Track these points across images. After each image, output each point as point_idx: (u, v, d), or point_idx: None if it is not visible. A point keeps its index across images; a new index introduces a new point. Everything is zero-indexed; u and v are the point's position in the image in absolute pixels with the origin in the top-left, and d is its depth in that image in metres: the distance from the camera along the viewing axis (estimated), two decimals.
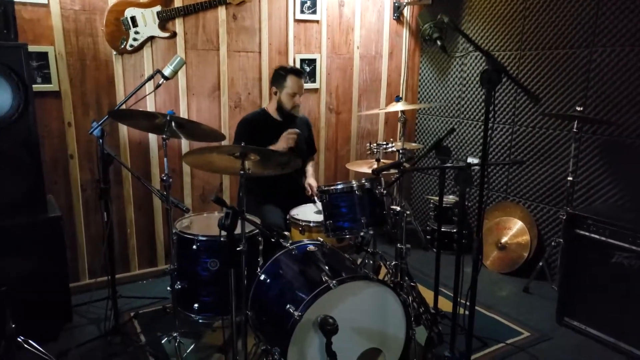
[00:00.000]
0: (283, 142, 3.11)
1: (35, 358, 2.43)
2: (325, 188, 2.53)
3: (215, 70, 3.72)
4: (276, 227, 2.98)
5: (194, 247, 2.58)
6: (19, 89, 2.50)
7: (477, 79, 4.14)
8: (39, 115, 3.08)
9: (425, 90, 4.67)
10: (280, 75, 3.25)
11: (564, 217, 3.38)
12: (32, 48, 2.95)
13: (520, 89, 1.84)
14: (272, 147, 3.09)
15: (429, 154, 2.52)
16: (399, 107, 2.96)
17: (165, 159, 2.48)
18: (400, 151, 2.71)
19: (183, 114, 3.64)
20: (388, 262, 2.91)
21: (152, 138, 3.54)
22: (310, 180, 3.37)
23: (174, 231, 2.68)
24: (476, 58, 4.14)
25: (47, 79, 3.08)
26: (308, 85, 4.11)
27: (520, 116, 3.85)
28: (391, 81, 4.56)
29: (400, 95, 2.82)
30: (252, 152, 2.32)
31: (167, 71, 2.64)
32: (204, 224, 2.86)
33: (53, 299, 2.77)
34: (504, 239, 3.94)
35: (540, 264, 3.59)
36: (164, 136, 2.40)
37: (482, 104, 4.13)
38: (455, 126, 4.28)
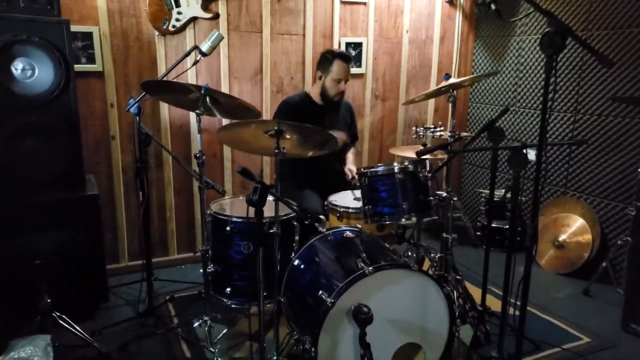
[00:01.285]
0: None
1: (70, 335, 2.42)
2: (364, 170, 2.38)
3: (258, 53, 3.63)
4: (312, 212, 2.85)
5: (227, 228, 2.49)
6: (60, 66, 2.49)
7: (535, 64, 3.85)
8: (82, 96, 3.12)
9: (479, 81, 4.39)
10: (326, 59, 3.12)
11: (634, 214, 3.06)
12: (77, 28, 2.97)
13: (589, 52, 1.61)
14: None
15: (480, 136, 2.30)
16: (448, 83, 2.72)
17: (199, 136, 2.40)
18: (450, 134, 2.50)
19: None
20: (433, 255, 2.71)
21: (193, 120, 3.50)
22: (351, 166, 3.22)
23: (207, 212, 2.60)
24: (535, 41, 3.85)
25: (91, 59, 3.09)
26: (353, 70, 3.94)
27: (583, 103, 3.54)
28: (442, 67, 4.32)
29: (448, 74, 2.60)
30: (288, 128, 2.20)
31: (204, 47, 2.56)
32: (240, 207, 2.76)
33: (89, 277, 2.76)
34: (562, 237, 3.63)
35: (604, 264, 3.27)
36: (198, 112, 2.31)
37: (540, 91, 3.83)
38: (510, 106, 4.00)
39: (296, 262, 2.35)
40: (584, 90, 3.52)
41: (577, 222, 3.60)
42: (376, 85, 4.12)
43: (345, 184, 3.16)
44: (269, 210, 2.27)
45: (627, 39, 3.22)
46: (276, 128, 2.22)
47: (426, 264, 2.82)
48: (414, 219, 2.31)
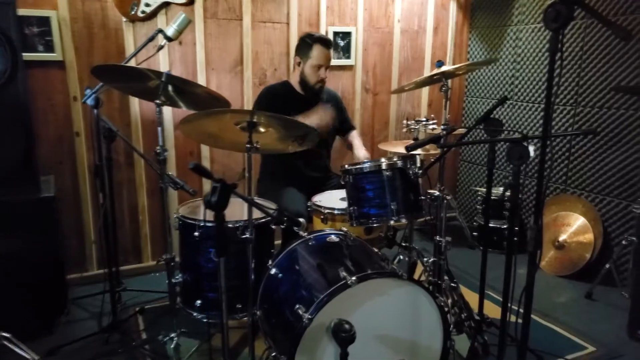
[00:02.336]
0: (316, 118, 2.71)
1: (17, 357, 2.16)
2: (349, 167, 2.13)
3: (238, 42, 3.38)
4: (294, 214, 2.60)
5: (196, 234, 2.24)
6: (5, 52, 2.22)
7: (533, 54, 3.62)
8: (40, 88, 2.86)
9: (474, 72, 4.17)
10: (305, 43, 2.87)
11: (639, 211, 2.85)
12: (31, 12, 2.71)
13: (604, 24, 1.38)
14: (302, 119, 2.70)
15: (476, 128, 2.06)
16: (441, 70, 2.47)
17: (159, 129, 2.15)
18: (443, 126, 2.27)
19: None
20: (426, 259, 2.48)
21: (167, 115, 3.24)
22: (359, 152, 2.91)
23: (175, 215, 2.35)
24: (532, 31, 3.62)
25: (49, 48, 2.82)
26: (342, 62, 3.71)
27: (584, 95, 3.31)
28: (436, 59, 4.08)
29: (441, 61, 2.36)
30: (262, 119, 1.96)
31: (170, 31, 2.30)
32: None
33: (46, 288, 2.49)
34: (563, 237, 3.41)
35: (607, 266, 3.05)
36: (158, 101, 2.06)
37: (538, 83, 3.60)
38: (509, 95, 3.77)
39: (273, 271, 2.11)
40: (585, 82, 3.29)
41: (578, 221, 3.38)
42: (366, 77, 3.88)
43: (332, 182, 2.92)
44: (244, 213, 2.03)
45: (631, 26, 2.99)
46: (248, 120, 1.98)
47: (419, 269, 2.59)
48: (403, 221, 2.07)
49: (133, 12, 2.99)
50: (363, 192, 2.10)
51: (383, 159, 2.06)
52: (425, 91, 4.12)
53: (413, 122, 2.61)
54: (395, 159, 2.07)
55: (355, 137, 3.15)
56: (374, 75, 3.91)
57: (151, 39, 2.34)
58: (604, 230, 3.26)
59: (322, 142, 2.92)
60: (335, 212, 2.43)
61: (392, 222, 2.07)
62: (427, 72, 4.07)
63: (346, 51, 3.73)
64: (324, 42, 2.87)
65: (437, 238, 2.15)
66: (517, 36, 3.75)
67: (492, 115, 2.11)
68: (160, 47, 2.34)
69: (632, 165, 3.08)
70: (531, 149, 3.69)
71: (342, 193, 2.65)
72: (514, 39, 3.78)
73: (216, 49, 3.33)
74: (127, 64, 2.25)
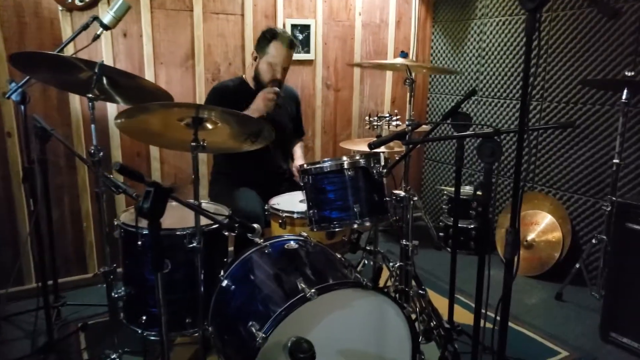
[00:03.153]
0: (259, 103, 2.51)
1: None
2: (308, 166, 1.95)
3: (189, 35, 3.15)
4: (250, 216, 2.40)
5: (139, 243, 2.01)
6: None
7: (498, 49, 3.53)
8: None
9: (438, 65, 4.05)
10: (264, 38, 2.66)
11: (608, 209, 2.77)
12: None
13: (589, 4, 1.23)
14: (246, 111, 2.50)
15: (443, 123, 1.90)
16: (400, 61, 2.32)
17: (92, 127, 1.91)
18: (408, 122, 2.11)
19: None
20: (392, 264, 2.32)
21: (113, 112, 2.98)
22: (299, 162, 2.78)
23: (115, 223, 2.11)
24: (497, 24, 3.52)
25: None
26: (301, 56, 3.53)
27: (550, 90, 3.23)
28: (398, 54, 3.94)
29: (405, 52, 2.21)
30: (209, 115, 1.75)
31: (106, 18, 2.06)
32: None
33: None
34: (531, 236, 3.32)
35: (577, 265, 2.97)
36: (90, 95, 1.82)
37: (504, 78, 3.51)
38: (477, 88, 3.67)
39: (225, 283, 1.90)
40: (551, 76, 3.22)
41: (545, 219, 3.30)
42: (327, 73, 3.71)
43: (293, 184, 2.73)
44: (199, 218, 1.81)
45: (596, 18, 2.92)
46: (193, 115, 1.77)
47: (385, 274, 2.43)
48: (367, 224, 1.90)
49: (70, 0, 2.72)
50: (324, 194, 1.93)
51: (345, 158, 1.89)
52: (388, 87, 3.98)
53: (376, 118, 2.46)
54: (357, 157, 1.90)
55: (298, 147, 2.98)
56: (335, 71, 3.74)
57: (85, 27, 2.09)
58: (572, 228, 3.19)
59: (278, 141, 2.73)
60: (295, 215, 2.24)
61: (355, 226, 1.89)
62: None
63: (305, 45, 3.54)
64: (284, 39, 2.65)
65: (404, 242, 1.99)
66: (482, 30, 3.65)
67: (459, 110, 1.96)
68: (97, 37, 2.09)
69: (600, 162, 3.01)
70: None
71: (302, 196, 2.46)
72: (478, 32, 3.68)
73: (165, 41, 3.09)
74: (52, 53, 1.99)
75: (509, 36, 3.44)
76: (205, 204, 2.41)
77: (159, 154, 3.19)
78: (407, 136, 1.84)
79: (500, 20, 3.50)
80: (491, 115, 3.65)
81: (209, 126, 1.88)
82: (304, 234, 2.03)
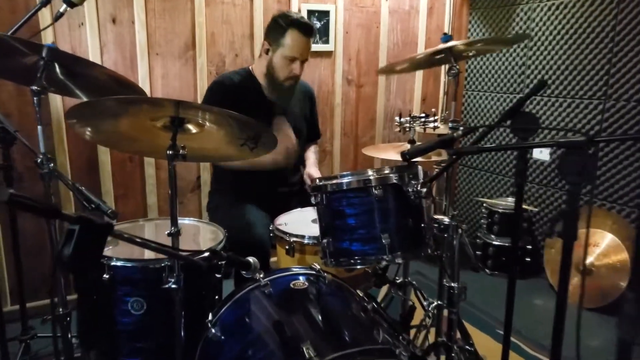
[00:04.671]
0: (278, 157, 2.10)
1: None
2: (322, 183, 1.48)
3: (189, 21, 2.72)
4: (252, 240, 1.96)
5: (106, 276, 1.57)
6: None
7: (549, 37, 3.01)
8: None
9: (476, 59, 3.55)
10: (278, 26, 2.18)
11: None
12: None
13: None
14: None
15: (499, 126, 1.41)
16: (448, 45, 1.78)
17: (39, 129, 1.49)
18: (451, 124, 1.63)
19: (143, 81, 2.65)
20: (427, 303, 1.84)
21: None
22: (312, 170, 2.31)
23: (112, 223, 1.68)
24: (549, 9, 3.00)
25: None
26: (318, 47, 3.07)
27: (616, 87, 2.70)
28: (431, 46, 3.45)
29: (448, 35, 1.72)
30: (193, 114, 1.31)
31: None
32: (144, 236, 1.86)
33: None
34: (589, 260, 2.79)
35: None
36: (35, 87, 1.38)
37: (556, 72, 2.98)
38: (517, 92, 3.13)
39: (213, 332, 1.45)
40: (618, 69, 2.68)
41: (606, 239, 2.78)
42: (348, 66, 3.24)
43: (304, 198, 2.26)
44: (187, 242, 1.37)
45: None
46: (172, 114, 1.34)
47: (418, 316, 1.95)
48: (399, 260, 1.42)
49: None
50: (342, 219, 1.46)
51: (370, 172, 1.42)
52: (418, 83, 3.50)
53: (408, 119, 1.98)
54: (387, 171, 1.42)
55: (312, 151, 2.51)
56: (357, 64, 3.27)
57: (44, 3, 1.66)
58: None
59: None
60: (305, 241, 1.78)
61: (383, 263, 1.42)
62: None
63: (324, 34, 3.08)
64: (303, 27, 2.18)
65: (448, 284, 1.51)
66: (529, 16, 3.13)
67: (523, 109, 1.47)
68: (59, 15, 1.66)
69: None
70: (545, 152, 3.08)
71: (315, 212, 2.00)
72: (525, 19, 3.16)
73: (161, 29, 2.66)
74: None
75: (564, 22, 2.92)
76: (196, 224, 1.97)
77: (154, 159, 2.77)
78: (453, 143, 1.36)
79: (552, 4, 2.98)
80: (539, 116, 3.12)
81: (193, 129, 1.44)
82: (316, 265, 1.56)
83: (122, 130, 1.43)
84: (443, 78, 3.57)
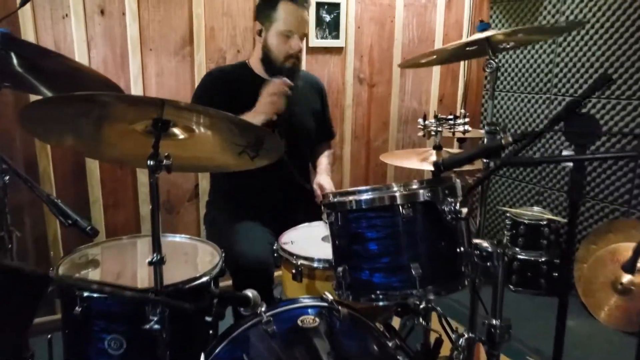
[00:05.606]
0: (265, 103, 1.81)
1: None
2: (337, 199, 1.22)
3: (186, 13, 2.47)
4: (253, 263, 1.70)
5: (78, 309, 1.32)
6: None
7: (582, 32, 2.74)
8: None
9: (497, 57, 3.27)
10: (267, 3, 1.93)
11: None
12: None
13: None
14: (245, 116, 1.81)
15: (552, 130, 1.15)
16: (488, 34, 1.48)
17: None
18: (487, 128, 1.37)
19: (135, 79, 2.41)
20: (457, 335, 1.57)
21: None
22: (322, 179, 2.03)
23: (50, 274, 1.43)
24: (581, 1, 2.73)
25: None
26: (328, 43, 2.82)
27: None
28: (449, 41, 3.19)
29: (486, 23, 1.46)
30: (178, 114, 1.06)
31: None
32: (126, 262, 1.61)
33: None
34: (627, 278, 2.52)
35: None
36: None
37: (588, 70, 2.71)
38: (543, 93, 2.85)
39: None
40: None
41: None
42: (360, 64, 2.98)
43: (314, 210, 1.99)
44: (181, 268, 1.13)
45: None
46: (155, 117, 1.09)
47: (445, 349, 1.68)
48: (432, 296, 1.16)
49: None
50: (361, 244, 1.20)
51: (396, 187, 1.15)
52: (435, 82, 3.24)
53: (433, 121, 1.72)
54: (416, 186, 1.16)
55: (325, 156, 2.22)
56: (370, 61, 3.01)
57: None
58: None
59: (295, 148, 2.02)
60: (315, 264, 1.52)
61: (413, 299, 1.16)
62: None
63: (334, 29, 2.82)
64: None
65: (491, 321, 1.25)
66: (558, 9, 2.86)
67: (580, 110, 1.21)
68: (24, 2, 1.41)
69: None
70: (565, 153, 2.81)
71: (326, 228, 1.73)
72: (553, 12, 2.89)
73: (155, 22, 2.42)
74: None
75: (598, 15, 2.65)
76: (191, 242, 1.72)
77: None
78: (502, 148, 1.10)
79: None
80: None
81: (180, 134, 1.19)
82: (329, 295, 1.31)
83: (93, 134, 1.18)
84: (462, 77, 3.30)
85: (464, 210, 1.11)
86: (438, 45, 3.18)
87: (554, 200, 2.96)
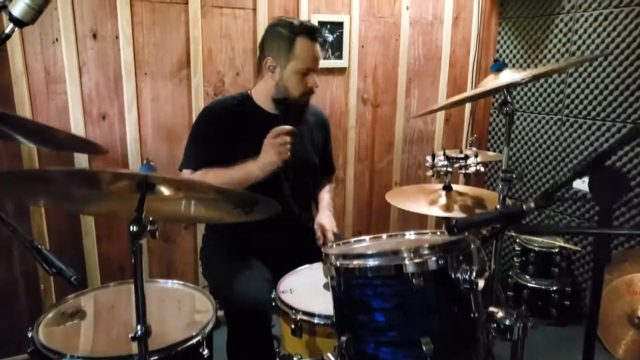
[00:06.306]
0: (271, 154, 1.71)
1: None
2: (339, 262, 1.12)
3: (182, 36, 2.37)
4: (250, 311, 1.60)
5: None
6: None
7: (595, 51, 2.62)
8: None
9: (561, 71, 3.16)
10: (282, 37, 1.81)
11: None
12: None
13: None
14: (249, 165, 1.71)
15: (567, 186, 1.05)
16: (504, 79, 1.36)
17: None
18: (503, 175, 1.26)
19: (129, 104, 2.31)
20: None
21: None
22: (324, 218, 1.93)
23: (29, 333, 1.34)
24: (595, 19, 2.62)
25: None
26: (331, 63, 2.72)
27: None
28: (455, 60, 3.09)
29: (502, 61, 1.35)
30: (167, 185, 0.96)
31: (17, 8, 1.28)
32: (117, 313, 1.51)
33: None
34: None
35: None
36: None
37: (603, 93, 2.60)
38: (554, 114, 2.71)
39: None
40: None
41: None
42: (364, 84, 2.88)
43: (316, 251, 1.86)
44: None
45: None
46: (138, 180, 0.99)
47: None
48: None
49: None
50: (366, 314, 1.09)
51: (405, 253, 1.05)
52: (442, 102, 3.12)
53: (442, 159, 1.61)
54: (428, 252, 1.05)
55: (326, 191, 2.12)
56: (374, 82, 2.91)
57: None
58: None
59: (297, 185, 1.92)
60: (316, 320, 1.41)
61: None
62: (444, 76, 3.08)
63: (337, 49, 2.72)
64: (311, 32, 1.82)
65: None
66: (570, 28, 2.75)
67: (606, 162, 1.10)
68: (6, 37, 1.31)
69: None
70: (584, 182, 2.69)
71: None
72: (565, 31, 2.77)
73: (150, 45, 2.32)
74: None
75: (614, 35, 2.53)
76: (186, 290, 1.61)
77: None
78: (521, 218, 0.99)
79: (599, 14, 2.59)
80: (581, 141, 2.73)
81: (167, 191, 1.09)
82: (331, 357, 1.20)
83: (71, 196, 1.07)
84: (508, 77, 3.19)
85: (481, 282, 1.00)
86: (445, 63, 3.07)
87: (565, 186, 2.84)
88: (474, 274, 1.02)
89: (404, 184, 3.12)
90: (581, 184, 2.74)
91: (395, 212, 3.11)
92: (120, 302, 1.56)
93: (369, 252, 1.07)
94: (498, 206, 1.34)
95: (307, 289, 1.57)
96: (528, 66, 3.00)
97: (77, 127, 2.23)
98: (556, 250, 2.74)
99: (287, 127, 1.69)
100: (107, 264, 2.40)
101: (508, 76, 1.27)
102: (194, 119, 2.42)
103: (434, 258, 1.04)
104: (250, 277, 1.72)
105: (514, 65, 3.10)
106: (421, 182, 3.14)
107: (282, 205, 1.57)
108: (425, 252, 1.05)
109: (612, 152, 1.10)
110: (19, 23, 1.29)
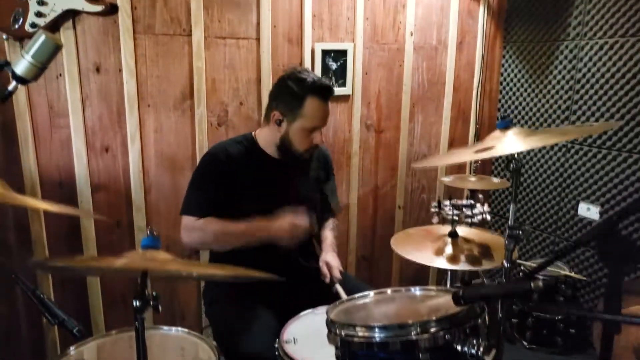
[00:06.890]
0: (284, 231, 1.73)
1: None
2: (344, 332, 1.10)
3: (186, 67, 2.36)
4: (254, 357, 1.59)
5: None
6: None
7: (601, 80, 2.61)
8: None
9: (510, 99, 3.16)
10: (292, 94, 1.80)
11: None
12: None
13: None
14: (258, 229, 1.72)
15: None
16: (509, 145, 1.30)
17: None
18: (509, 231, 1.25)
19: (132, 136, 2.30)
20: None
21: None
22: (329, 257, 1.93)
23: None
24: (601, 48, 2.60)
25: None
26: (335, 91, 2.62)
27: None
28: (460, 85, 3.08)
29: (508, 118, 1.34)
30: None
31: (19, 67, 1.27)
32: None
33: None
34: None
35: None
36: None
37: (609, 120, 2.59)
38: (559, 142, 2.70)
39: None
40: None
41: None
42: (367, 111, 2.87)
43: (321, 293, 1.85)
44: None
45: None
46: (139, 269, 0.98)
47: None
48: None
49: (17, 26, 1.97)
50: None
51: (413, 327, 1.03)
52: (445, 125, 3.12)
53: (448, 206, 1.60)
54: (435, 327, 1.04)
55: (329, 228, 2.11)
56: (377, 107, 2.90)
57: None
58: None
59: None
60: None
61: None
62: (447, 102, 3.07)
63: (340, 77, 2.71)
64: (323, 92, 1.82)
65: None
66: (575, 55, 2.73)
67: (617, 229, 1.09)
68: (8, 95, 1.31)
69: None
70: (594, 209, 2.68)
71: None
72: (570, 58, 2.76)
73: (153, 77, 2.31)
74: None
75: (619, 65, 2.52)
76: (190, 338, 1.59)
77: (145, 221, 2.41)
78: (533, 275, 0.98)
79: (604, 42, 2.58)
80: (587, 169, 2.72)
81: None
82: None
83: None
84: (473, 120, 3.18)
85: (484, 350, 0.99)
86: (449, 87, 3.06)
87: (571, 251, 2.83)
88: (481, 349, 1.01)
89: (407, 208, 3.11)
90: (587, 212, 2.74)
91: None
92: (123, 352, 1.54)
93: (375, 324, 1.06)
94: (504, 262, 1.32)
95: (310, 338, 1.56)
96: (533, 91, 2.99)
97: (79, 160, 2.22)
98: (561, 278, 2.72)
99: (305, 220, 1.74)
100: (110, 299, 2.39)
101: (515, 136, 1.26)
102: (197, 149, 2.43)
103: (441, 333, 1.02)
104: (253, 326, 1.70)
105: (519, 88, 3.09)
106: (424, 205, 3.14)
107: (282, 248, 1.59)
108: (433, 326, 1.04)
109: (620, 218, 1.08)
110: (22, 80, 1.29)
